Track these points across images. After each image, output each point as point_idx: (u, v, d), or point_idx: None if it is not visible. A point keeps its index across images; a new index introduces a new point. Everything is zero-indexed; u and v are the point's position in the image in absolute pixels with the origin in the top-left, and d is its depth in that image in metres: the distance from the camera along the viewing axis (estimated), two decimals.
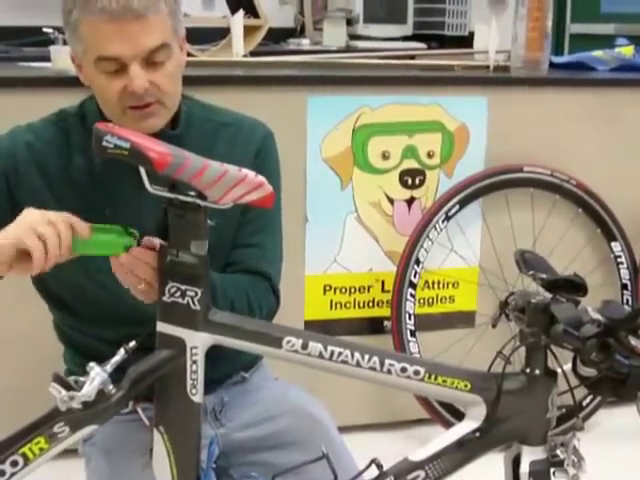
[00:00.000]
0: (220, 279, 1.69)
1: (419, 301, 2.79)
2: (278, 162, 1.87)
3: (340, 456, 1.86)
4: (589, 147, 2.98)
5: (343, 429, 2.08)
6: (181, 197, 1.43)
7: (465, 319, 2.88)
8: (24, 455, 1.50)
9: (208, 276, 1.50)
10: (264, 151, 1.83)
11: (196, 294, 1.48)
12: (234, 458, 1.93)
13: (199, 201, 1.44)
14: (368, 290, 2.80)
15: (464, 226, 2.81)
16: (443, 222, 2.73)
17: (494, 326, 1.71)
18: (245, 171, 1.44)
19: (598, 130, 2.99)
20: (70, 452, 1.70)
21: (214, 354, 1.56)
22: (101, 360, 1.51)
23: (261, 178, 1.46)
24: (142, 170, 1.41)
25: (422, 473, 1.63)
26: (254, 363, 2.01)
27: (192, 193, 1.43)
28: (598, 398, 2.86)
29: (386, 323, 2.80)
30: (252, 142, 1.81)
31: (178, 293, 1.48)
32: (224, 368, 1.91)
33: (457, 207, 2.74)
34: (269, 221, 1.88)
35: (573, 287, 1.68)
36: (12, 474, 1.50)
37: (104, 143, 1.40)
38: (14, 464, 1.50)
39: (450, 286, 2.86)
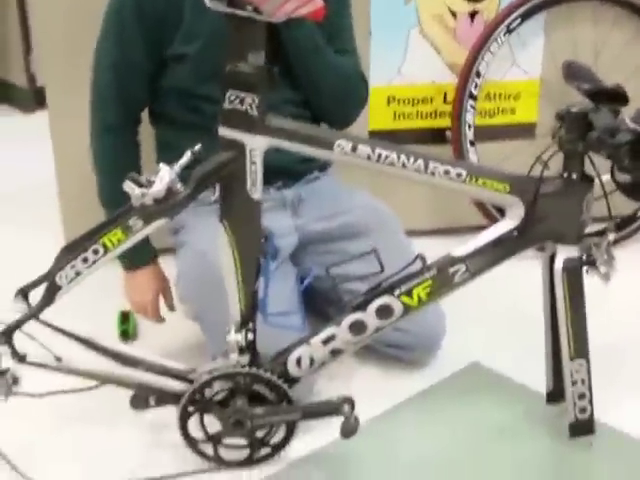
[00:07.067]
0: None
1: (480, 113, 2.84)
2: None
3: (401, 249, 2.06)
4: None
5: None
6: (238, 12, 1.52)
7: (525, 131, 2.93)
8: (104, 245, 1.68)
9: (265, 84, 1.60)
10: None
11: (254, 101, 1.59)
12: (310, 248, 2.15)
13: (255, 15, 1.53)
14: (430, 101, 2.85)
15: (526, 39, 2.83)
16: (504, 35, 2.74)
17: (554, 137, 1.77)
18: None
19: None
20: None
21: None
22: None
23: None
24: None
25: (463, 267, 1.75)
26: (327, 166, 2.24)
27: (249, 7, 1.52)
28: None
29: (448, 133, 2.84)
30: None
31: (237, 100, 1.59)
32: (306, 162, 2.10)
33: (519, 20, 2.75)
34: (349, 33, 2.18)
35: (614, 97, 1.75)
36: (94, 261, 1.69)
37: None
38: (95, 252, 1.68)
39: (511, 98, 2.90)
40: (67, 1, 2.56)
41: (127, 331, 2.36)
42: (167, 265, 2.28)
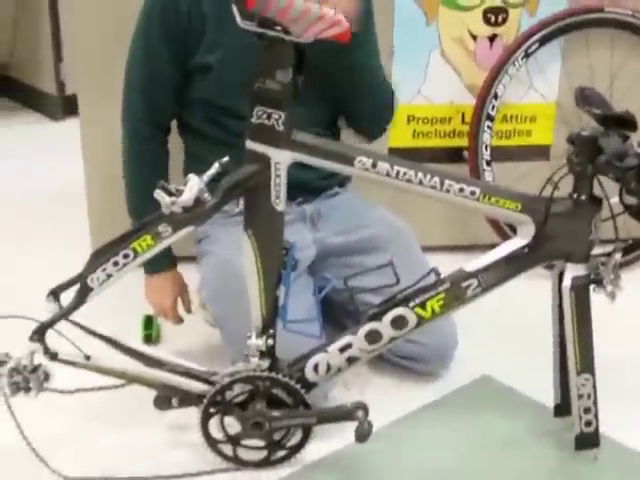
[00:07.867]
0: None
1: (497, 133, 2.91)
2: None
3: (417, 263, 2.13)
4: None
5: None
6: (268, 32, 1.60)
7: (540, 152, 3.00)
8: (134, 249, 1.75)
9: (291, 101, 1.68)
10: None
11: (280, 117, 1.67)
12: (328, 260, 2.22)
13: (284, 35, 1.60)
14: (449, 121, 2.92)
15: (543, 64, 2.89)
16: (522, 59, 2.81)
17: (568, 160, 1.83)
18: (325, 9, 1.62)
19: None
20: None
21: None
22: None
23: (339, 16, 1.63)
24: (234, 7, 1.59)
25: (475, 281, 1.82)
26: (346, 182, 2.31)
27: (278, 28, 1.60)
28: None
29: (465, 152, 2.91)
30: None
31: (265, 116, 1.67)
32: (327, 179, 2.20)
33: (537, 45, 2.81)
34: (375, 48, 2.23)
35: (624, 123, 1.81)
36: (124, 264, 1.76)
37: None
38: (126, 256, 1.76)
39: (527, 120, 2.97)
40: (99, 10, 2.65)
41: (150, 335, 2.44)
42: (187, 272, 2.37)
